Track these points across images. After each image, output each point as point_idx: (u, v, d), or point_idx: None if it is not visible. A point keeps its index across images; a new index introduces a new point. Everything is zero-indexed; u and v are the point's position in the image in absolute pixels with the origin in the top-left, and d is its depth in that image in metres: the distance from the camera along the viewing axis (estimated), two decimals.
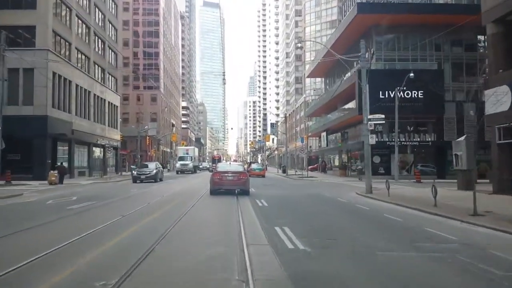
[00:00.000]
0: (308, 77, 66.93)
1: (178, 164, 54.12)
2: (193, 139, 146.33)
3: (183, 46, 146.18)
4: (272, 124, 48.71)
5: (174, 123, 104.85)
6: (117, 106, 52.96)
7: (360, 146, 38.42)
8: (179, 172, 52.33)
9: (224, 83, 31.91)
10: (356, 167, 38.49)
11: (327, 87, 58.34)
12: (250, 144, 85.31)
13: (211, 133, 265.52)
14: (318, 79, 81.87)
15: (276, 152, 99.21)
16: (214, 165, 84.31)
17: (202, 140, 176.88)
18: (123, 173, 50.55)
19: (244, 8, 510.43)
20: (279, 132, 66.50)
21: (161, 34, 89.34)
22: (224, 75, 29.51)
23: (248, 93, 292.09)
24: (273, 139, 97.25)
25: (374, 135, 30.36)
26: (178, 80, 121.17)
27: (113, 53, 52.76)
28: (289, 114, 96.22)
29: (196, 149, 66.06)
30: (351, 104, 39.06)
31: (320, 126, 50.63)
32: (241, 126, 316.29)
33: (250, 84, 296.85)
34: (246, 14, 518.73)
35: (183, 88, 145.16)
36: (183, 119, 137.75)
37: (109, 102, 49.54)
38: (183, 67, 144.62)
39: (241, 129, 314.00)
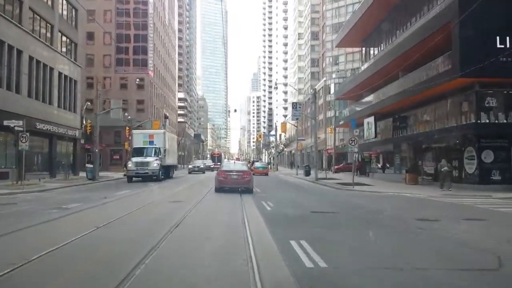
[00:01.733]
0: (338, 46, 51.72)
1: (130, 164, 29.00)
2: (192, 134, 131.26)
3: (180, 30, 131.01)
4: (294, 105, 31.22)
5: (167, 114, 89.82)
6: (76, 81, 37.96)
7: (458, 134, 23.17)
8: (133, 179, 28.79)
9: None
10: (440, 169, 23.30)
11: (364, 60, 43.32)
12: (257, 137, 69.84)
13: (213, 130, 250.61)
14: (341, 59, 66.76)
15: (285, 148, 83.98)
16: (213, 163, 68.31)
17: (202, 137, 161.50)
18: (79, 174, 35.47)
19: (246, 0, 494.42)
20: (304, 116, 51.03)
21: (150, 4, 74.20)
22: None
23: (251, 90, 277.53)
24: (280, 135, 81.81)
25: None
26: (173, 66, 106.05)
27: (70, 7, 37.81)
28: (304, 103, 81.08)
29: (171, 136, 37.92)
30: (429, 68, 23.90)
31: (364, 109, 35.41)
32: (243, 124, 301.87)
33: (253, 81, 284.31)
34: (248, 6, 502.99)
35: (180, 77, 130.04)
36: (180, 112, 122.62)
37: (60, 73, 34.53)
38: (180, 54, 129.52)
39: (243, 126, 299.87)
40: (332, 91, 64.10)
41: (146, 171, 28.42)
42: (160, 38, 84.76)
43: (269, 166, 79.45)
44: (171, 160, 35.39)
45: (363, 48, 43.34)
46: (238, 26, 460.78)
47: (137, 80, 71.62)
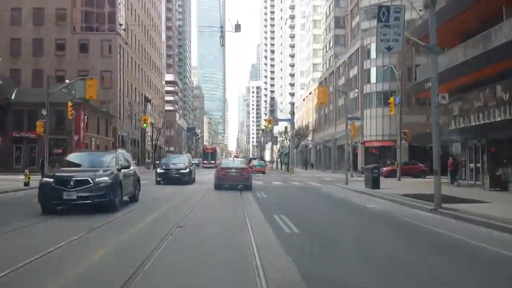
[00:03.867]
0: None
1: None
2: (184, 127, 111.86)
3: (169, 0, 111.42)
4: (384, 12, 12.65)
5: (149, 97, 70.60)
6: None
7: None
8: None
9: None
10: None
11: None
12: (268, 121, 50.69)
13: (210, 124, 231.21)
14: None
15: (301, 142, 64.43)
16: (205, 161, 48.49)
17: (197, 130, 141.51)
18: None
19: None
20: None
21: None
22: None
23: (249, 82, 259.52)
24: (286, 127, 62.54)
25: None
26: (159, 39, 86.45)
27: None
28: (324, 80, 62.35)
29: None
30: None
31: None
32: (241, 120, 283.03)
33: (252, 73, 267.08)
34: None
35: (169, 56, 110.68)
36: (168, 97, 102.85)
37: None
38: (169, 28, 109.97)
39: (241, 123, 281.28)
40: (372, 54, 45.49)
41: None
42: None
43: (276, 165, 63.36)
44: None
45: None
46: (237, 17, 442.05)
47: (102, 42, 52.42)
